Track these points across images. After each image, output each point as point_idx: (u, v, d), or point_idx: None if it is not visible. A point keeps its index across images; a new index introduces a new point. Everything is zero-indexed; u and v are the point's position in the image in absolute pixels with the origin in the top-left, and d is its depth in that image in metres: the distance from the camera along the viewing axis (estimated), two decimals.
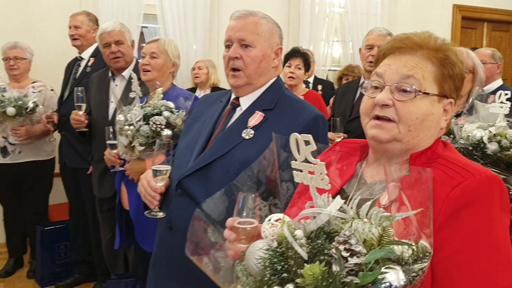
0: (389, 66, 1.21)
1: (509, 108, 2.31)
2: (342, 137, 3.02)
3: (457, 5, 6.49)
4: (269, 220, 1.02)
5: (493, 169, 2.25)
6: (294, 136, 0.99)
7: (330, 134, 3.06)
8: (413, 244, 0.90)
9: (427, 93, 1.17)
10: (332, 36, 5.96)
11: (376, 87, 1.22)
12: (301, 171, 1.00)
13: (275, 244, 0.93)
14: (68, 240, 3.94)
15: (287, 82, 3.67)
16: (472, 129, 2.29)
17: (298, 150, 0.99)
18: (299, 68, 3.64)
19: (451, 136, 2.40)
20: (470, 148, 2.23)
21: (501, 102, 2.33)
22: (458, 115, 2.44)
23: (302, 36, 5.46)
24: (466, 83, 2.45)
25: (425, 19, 6.13)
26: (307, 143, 0.96)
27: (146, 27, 5.93)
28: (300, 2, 5.50)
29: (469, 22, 6.72)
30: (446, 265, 1.02)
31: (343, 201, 0.96)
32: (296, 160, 1.00)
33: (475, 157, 2.23)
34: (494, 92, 2.76)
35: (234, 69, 1.82)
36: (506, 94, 2.33)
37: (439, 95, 1.19)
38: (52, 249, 3.89)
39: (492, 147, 2.18)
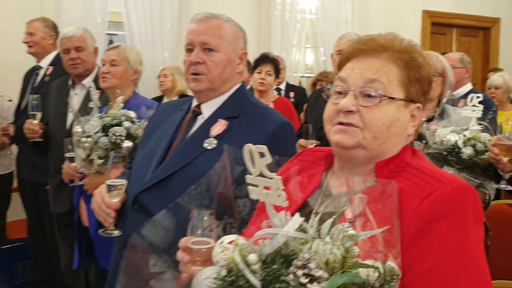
0: (352, 70, 1.14)
1: (481, 111, 2.25)
2: (314, 144, 2.94)
3: (427, 11, 6.54)
4: (221, 243, 0.91)
5: (469, 174, 2.19)
6: (248, 147, 0.88)
7: (303, 141, 2.98)
8: (380, 266, 0.80)
9: (393, 98, 1.10)
10: (304, 42, 5.93)
11: (339, 93, 1.15)
12: (257, 186, 0.89)
13: (224, 272, 0.81)
14: (27, 259, 3.72)
15: (258, 88, 3.59)
16: (445, 134, 2.23)
17: (253, 163, 0.88)
18: (270, 75, 3.57)
19: (424, 141, 2.34)
20: (445, 153, 2.17)
21: (473, 106, 2.28)
22: (429, 120, 2.38)
23: (274, 42, 5.41)
24: (436, 86, 2.40)
25: (395, 25, 6.14)
26: (261, 155, 0.86)
27: (116, 34, 5.81)
28: (271, 9, 5.45)
29: (438, 27, 6.78)
30: (419, 285, 0.94)
31: (303, 219, 0.85)
32: (251, 174, 0.89)
33: (450, 162, 2.17)
34: (464, 96, 2.71)
35: (195, 74, 1.71)
36: (478, 97, 2.28)
37: (406, 100, 1.12)
38: (10, 269, 3.67)
39: (467, 151, 2.12)
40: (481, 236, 1.00)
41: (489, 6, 7.03)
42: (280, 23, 5.45)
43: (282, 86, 5.03)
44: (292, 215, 1.10)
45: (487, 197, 2.22)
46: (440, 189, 0.98)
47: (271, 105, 3.35)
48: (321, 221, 1.07)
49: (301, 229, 0.87)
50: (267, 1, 5.49)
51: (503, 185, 1.95)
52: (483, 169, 2.11)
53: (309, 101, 3.62)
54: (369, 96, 1.09)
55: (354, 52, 1.17)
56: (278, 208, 0.87)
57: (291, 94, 4.99)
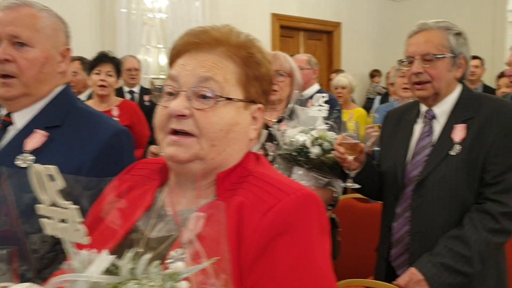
0: (184, 67, 0.98)
1: (327, 110, 2.28)
2: None
3: (275, 14, 6.74)
4: None
5: (318, 173, 2.20)
6: (34, 169, 0.66)
7: (154, 148, 2.76)
8: None
9: (231, 99, 0.97)
10: (155, 42, 5.69)
11: (170, 94, 0.98)
12: (51, 218, 0.67)
13: None
14: None
15: (98, 91, 3.25)
16: (294, 134, 2.20)
17: (44, 189, 0.66)
18: (110, 75, 3.25)
19: (275, 142, 2.30)
20: (294, 153, 2.14)
21: (319, 105, 2.29)
22: (279, 121, 2.35)
23: (120, 41, 5.05)
24: (285, 87, 2.37)
25: (246, 27, 6.10)
26: (51, 178, 0.64)
27: None
28: (115, 6, 5.08)
29: (286, 31, 7.04)
30: None
31: (113, 256, 0.66)
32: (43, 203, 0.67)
33: (299, 162, 2.15)
34: (312, 97, 2.74)
35: (4, 76, 1.39)
36: (323, 97, 2.30)
37: (245, 101, 1.00)
38: None
39: (315, 150, 2.12)
40: (327, 247, 0.93)
41: (331, 11, 7.52)
42: (126, 21, 5.12)
43: (136, 89, 4.73)
44: (118, 243, 0.91)
45: (335, 195, 2.25)
46: (283, 200, 0.88)
47: (115, 110, 3.07)
48: (150, 249, 0.90)
49: (113, 269, 0.67)
50: None
51: (349, 183, 1.96)
52: (330, 168, 2.13)
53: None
54: (204, 97, 0.95)
55: (185, 46, 1.02)
56: (79, 246, 0.66)
57: (146, 97, 4.71)
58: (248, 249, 0.84)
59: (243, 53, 1.01)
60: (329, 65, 7.67)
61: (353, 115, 4.65)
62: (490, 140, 1.69)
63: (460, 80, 1.87)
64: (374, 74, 7.99)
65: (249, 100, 1.01)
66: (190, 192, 0.99)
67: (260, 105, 1.04)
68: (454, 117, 1.79)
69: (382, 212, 1.98)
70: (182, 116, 0.94)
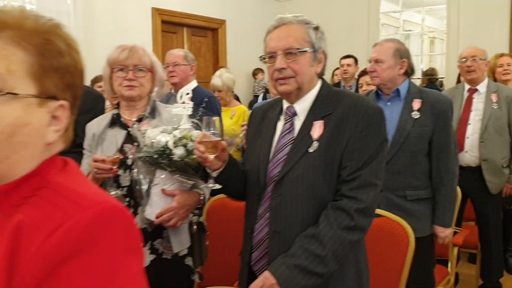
0: None
1: (192, 108, 2.13)
2: None
3: (156, 9, 6.48)
4: None
5: (182, 176, 2.06)
6: None
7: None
8: None
9: (16, 94, 0.79)
10: None
11: None
12: None
13: None
14: None
15: None
16: (156, 135, 2.03)
17: None
18: None
19: (135, 144, 2.12)
20: (156, 156, 1.98)
21: (183, 103, 2.14)
22: (140, 120, 2.17)
23: None
24: (146, 82, 2.20)
25: (125, 21, 5.90)
26: None
27: None
28: None
29: (169, 26, 6.81)
30: None
31: None
32: None
33: (161, 165, 2.00)
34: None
35: None
36: (187, 94, 2.15)
37: (40, 96, 0.83)
38: None
39: (178, 152, 1.96)
40: (136, 267, 0.79)
41: (215, 8, 7.44)
42: None
43: None
44: None
45: (201, 198, 2.13)
46: (76, 216, 0.73)
47: None
48: None
49: None
50: None
51: (211, 184, 1.83)
52: (195, 170, 1.99)
53: None
54: None
55: None
56: None
57: None
58: (24, 279, 0.68)
59: (37, 39, 0.84)
60: (215, 62, 7.59)
61: (235, 113, 4.60)
62: (347, 136, 1.66)
63: (320, 75, 1.84)
64: (256, 72, 8.08)
65: (46, 96, 0.84)
66: None
67: (63, 102, 0.87)
68: (313, 114, 1.75)
69: (245, 213, 1.90)
70: None
